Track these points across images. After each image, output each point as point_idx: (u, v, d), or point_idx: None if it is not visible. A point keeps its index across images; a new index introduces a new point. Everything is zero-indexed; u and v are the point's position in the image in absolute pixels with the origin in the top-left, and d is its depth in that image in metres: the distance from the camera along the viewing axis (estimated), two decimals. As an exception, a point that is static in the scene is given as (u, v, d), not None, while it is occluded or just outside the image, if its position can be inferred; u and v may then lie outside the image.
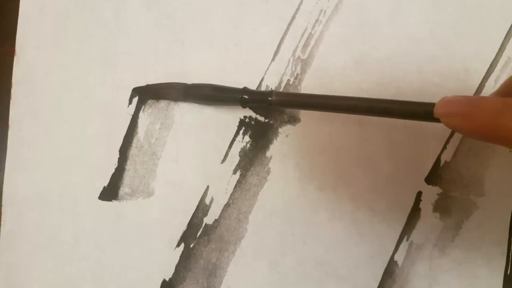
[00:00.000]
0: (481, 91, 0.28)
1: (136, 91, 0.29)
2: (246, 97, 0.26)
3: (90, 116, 0.29)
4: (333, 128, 0.28)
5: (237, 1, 0.29)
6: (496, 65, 0.28)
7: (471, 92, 0.28)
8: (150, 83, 0.29)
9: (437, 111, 0.19)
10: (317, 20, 0.28)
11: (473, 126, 0.17)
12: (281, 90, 0.28)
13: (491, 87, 0.28)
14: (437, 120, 0.19)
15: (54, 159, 0.29)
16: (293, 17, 0.28)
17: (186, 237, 0.28)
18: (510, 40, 0.28)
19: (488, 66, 0.28)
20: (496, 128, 0.16)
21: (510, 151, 0.27)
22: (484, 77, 0.28)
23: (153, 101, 0.29)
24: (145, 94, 0.29)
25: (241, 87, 0.26)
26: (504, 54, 0.28)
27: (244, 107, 0.26)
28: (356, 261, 0.27)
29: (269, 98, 0.25)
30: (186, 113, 0.29)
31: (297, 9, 0.28)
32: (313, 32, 0.28)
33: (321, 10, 0.28)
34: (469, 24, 0.28)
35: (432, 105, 0.20)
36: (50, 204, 0.29)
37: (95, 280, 0.29)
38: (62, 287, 0.29)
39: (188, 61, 0.29)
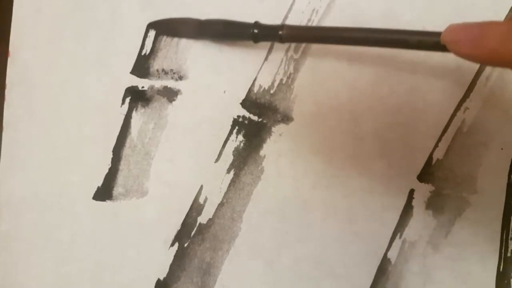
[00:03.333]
0: (472, 89, 0.28)
1: (152, 26, 0.29)
2: (257, 31, 0.26)
3: (86, 117, 0.29)
4: (327, 127, 0.28)
5: (231, 1, 0.29)
6: (487, 63, 0.28)
7: (463, 90, 0.28)
8: (145, 82, 0.29)
9: (444, 39, 0.19)
10: (309, 20, 0.28)
11: (480, 52, 0.17)
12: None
13: (482, 84, 0.28)
14: (444, 49, 0.19)
15: (51, 160, 0.30)
16: (286, 17, 0.29)
17: (180, 237, 0.29)
18: (502, 38, 0.28)
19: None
20: (502, 53, 0.16)
21: (502, 148, 0.27)
22: (476, 74, 0.28)
23: (146, 101, 0.29)
24: (161, 29, 0.29)
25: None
26: (495, 52, 0.28)
27: (256, 42, 0.26)
28: (351, 259, 0.28)
29: (280, 32, 0.25)
30: (179, 112, 0.29)
31: (290, 9, 0.29)
32: (305, 31, 0.28)
33: (314, 10, 0.29)
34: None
35: (439, 34, 0.20)
36: (46, 204, 0.29)
37: (93, 280, 0.29)
38: (60, 287, 0.29)
39: (183, 61, 0.29)
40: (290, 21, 0.29)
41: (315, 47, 0.28)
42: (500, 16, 0.28)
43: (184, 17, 0.29)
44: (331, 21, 0.28)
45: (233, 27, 0.27)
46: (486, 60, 0.17)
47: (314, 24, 0.28)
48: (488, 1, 0.28)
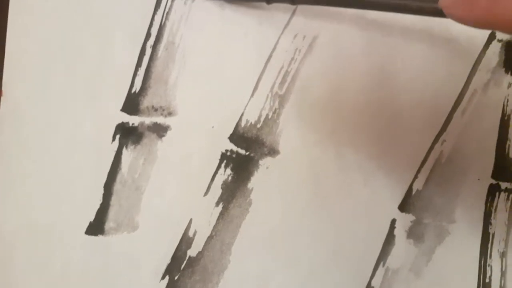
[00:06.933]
0: (449, 122, 0.29)
1: None
2: None
3: (77, 152, 0.30)
4: (312, 158, 0.29)
5: (217, 36, 0.30)
6: (463, 97, 0.29)
7: (440, 123, 0.29)
8: (135, 119, 0.30)
9: (441, 4, 0.20)
10: (292, 58, 0.30)
11: (473, 14, 0.17)
12: None
13: (458, 118, 0.29)
14: (442, 14, 0.20)
15: (43, 195, 0.30)
16: (270, 56, 0.30)
17: (170, 270, 0.29)
18: (476, 74, 0.29)
19: (455, 98, 0.29)
20: (493, 14, 0.17)
21: (478, 179, 0.29)
22: (452, 108, 0.29)
23: (136, 137, 0.30)
24: None
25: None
26: (470, 86, 0.29)
27: (268, 3, 0.27)
28: (337, 286, 0.28)
29: None
30: (169, 148, 0.30)
31: (274, 48, 0.30)
32: (289, 69, 0.30)
33: (296, 49, 0.30)
34: (437, 58, 0.30)
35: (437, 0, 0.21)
36: (38, 238, 0.30)
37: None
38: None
39: (172, 98, 0.30)
40: (274, 60, 0.30)
41: (299, 82, 0.30)
42: (474, 51, 0.30)
43: None
44: (313, 59, 0.30)
45: None
46: (479, 22, 0.18)
47: (297, 62, 0.30)
48: (462, 37, 0.30)
